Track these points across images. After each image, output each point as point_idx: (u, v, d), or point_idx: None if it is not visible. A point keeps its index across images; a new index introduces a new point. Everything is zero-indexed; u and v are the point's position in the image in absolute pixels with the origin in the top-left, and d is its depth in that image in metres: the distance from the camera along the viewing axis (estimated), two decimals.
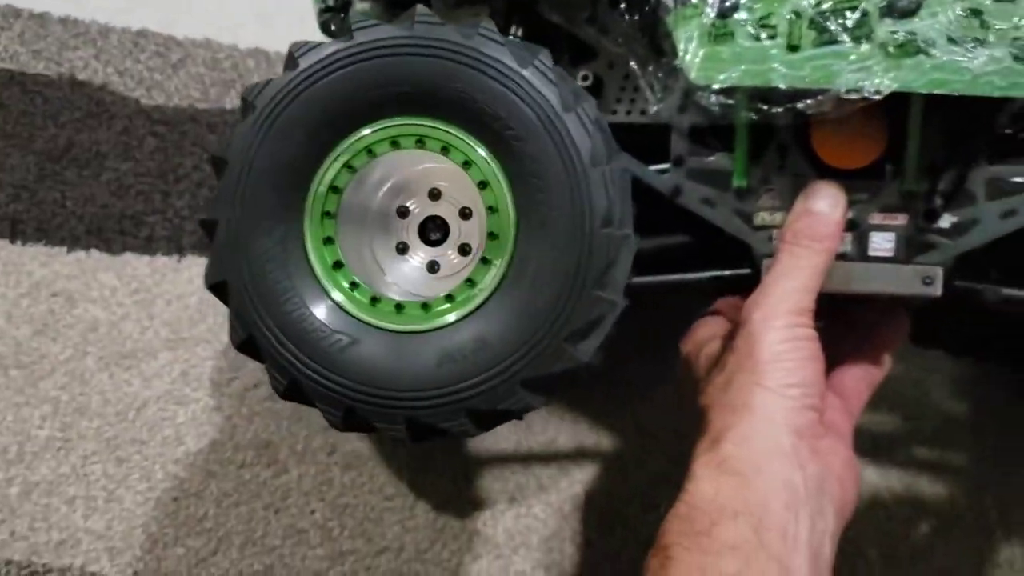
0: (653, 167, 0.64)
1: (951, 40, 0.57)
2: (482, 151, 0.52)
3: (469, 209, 0.56)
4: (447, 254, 0.58)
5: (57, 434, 0.90)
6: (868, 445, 0.87)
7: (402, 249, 0.58)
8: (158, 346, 0.95)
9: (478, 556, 0.85)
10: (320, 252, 0.54)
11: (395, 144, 0.53)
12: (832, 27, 0.58)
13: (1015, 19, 0.56)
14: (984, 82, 0.56)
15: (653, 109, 0.63)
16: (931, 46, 0.57)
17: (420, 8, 0.53)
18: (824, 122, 0.61)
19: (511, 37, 0.68)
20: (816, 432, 0.52)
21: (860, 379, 0.63)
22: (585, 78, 0.67)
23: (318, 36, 0.68)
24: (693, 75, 0.59)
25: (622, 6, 0.64)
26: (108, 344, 0.95)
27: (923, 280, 0.61)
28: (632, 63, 0.64)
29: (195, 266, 0.97)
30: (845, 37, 0.58)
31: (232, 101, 1.04)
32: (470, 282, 0.53)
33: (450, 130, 0.52)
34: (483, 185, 0.53)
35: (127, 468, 0.90)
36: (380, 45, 0.52)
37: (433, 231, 0.58)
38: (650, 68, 0.64)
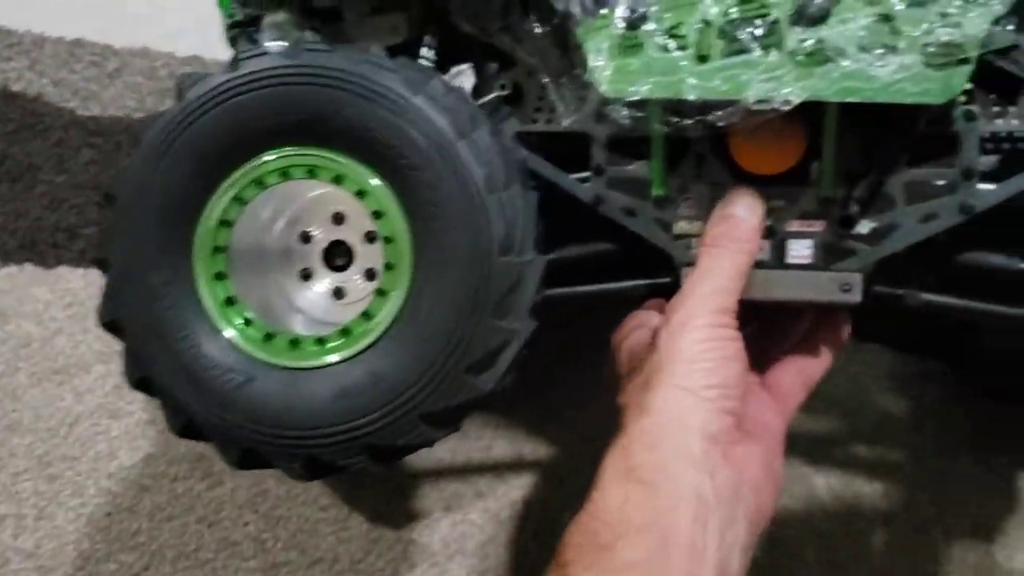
0: (578, 175, 0.63)
1: (862, 47, 0.55)
2: (376, 180, 0.51)
3: (374, 233, 0.55)
4: (353, 279, 0.57)
5: None
6: (806, 445, 0.87)
7: (306, 275, 0.57)
8: (91, 360, 0.93)
9: (413, 565, 0.84)
10: (212, 288, 0.53)
11: (285, 175, 0.52)
12: (741, 36, 0.57)
13: (925, 25, 0.55)
14: (895, 89, 0.55)
15: (565, 122, 0.62)
16: (841, 54, 0.56)
17: (308, 35, 0.52)
18: (743, 128, 0.60)
19: (426, 48, 0.67)
20: (731, 437, 0.51)
21: (796, 379, 0.62)
22: (504, 87, 0.66)
23: None
24: (603, 88, 0.58)
25: (532, 17, 0.62)
26: (41, 360, 0.93)
27: (841, 287, 0.61)
28: (543, 75, 0.62)
29: None
30: (755, 46, 0.57)
31: None
32: (366, 315, 0.52)
33: (342, 160, 0.51)
34: (378, 215, 0.51)
35: (59, 485, 0.89)
36: (267, 75, 0.50)
37: (338, 256, 0.57)
38: (562, 80, 0.62)
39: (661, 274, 0.65)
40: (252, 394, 0.51)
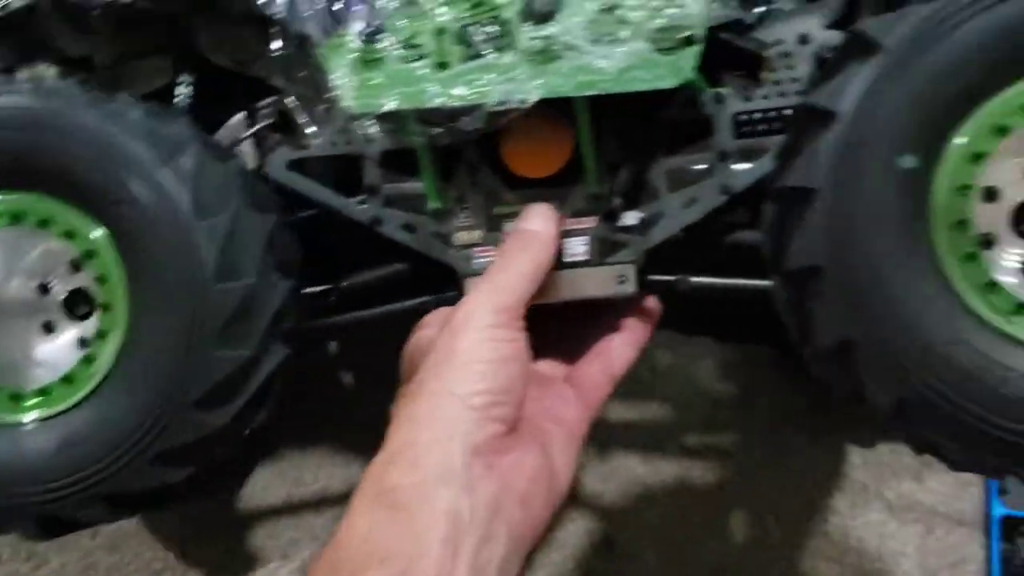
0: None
1: (592, 40, 0.56)
2: (85, 220, 0.49)
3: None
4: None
5: None
6: (641, 444, 0.87)
7: (49, 328, 0.54)
8: None
9: None
10: None
11: None
12: (476, 40, 0.57)
13: (647, 11, 0.56)
14: (629, 77, 0.56)
15: (315, 143, 0.61)
16: (573, 48, 0.56)
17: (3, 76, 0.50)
18: (511, 134, 0.61)
19: (182, 87, 0.66)
20: (498, 447, 0.50)
21: (600, 373, 0.61)
22: (268, 115, 0.65)
23: None
24: (349, 105, 0.58)
25: (276, 44, 0.61)
26: None
27: (617, 280, 0.61)
28: (291, 99, 0.61)
29: None
30: (489, 49, 0.57)
31: None
32: (88, 360, 0.50)
33: (47, 202, 0.49)
34: (91, 255, 0.50)
35: None
36: None
37: (81, 304, 0.54)
38: (312, 102, 0.61)
39: (443, 290, 0.64)
40: None
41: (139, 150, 0.48)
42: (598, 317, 0.64)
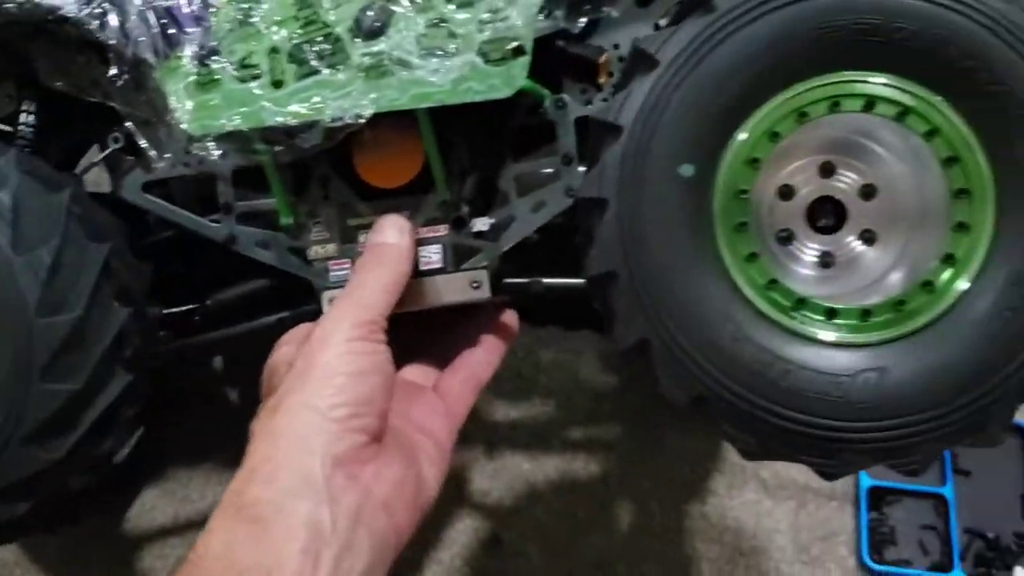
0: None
1: (424, 53, 0.56)
2: None
3: None
4: None
5: None
6: (524, 442, 0.88)
7: None
8: None
9: None
10: None
11: None
12: (310, 58, 0.57)
13: (477, 24, 0.57)
14: (464, 89, 0.56)
15: (156, 166, 0.61)
16: (405, 63, 0.56)
17: None
18: (363, 145, 0.61)
19: (24, 114, 0.65)
20: (360, 457, 0.50)
21: (464, 383, 0.62)
22: (117, 140, 0.65)
23: None
24: (188, 127, 0.58)
25: (113, 70, 0.61)
26: None
27: (471, 285, 0.62)
28: (131, 123, 0.61)
29: None
30: (323, 66, 0.57)
31: None
32: None
33: None
34: None
35: None
36: None
37: None
38: (153, 125, 0.61)
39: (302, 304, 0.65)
40: None
41: None
42: (464, 319, 0.65)
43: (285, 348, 0.56)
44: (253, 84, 0.58)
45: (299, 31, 0.58)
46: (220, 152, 0.59)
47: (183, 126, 0.58)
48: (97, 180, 0.68)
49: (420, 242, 0.62)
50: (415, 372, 0.61)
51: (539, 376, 0.91)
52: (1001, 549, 0.84)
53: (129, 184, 0.65)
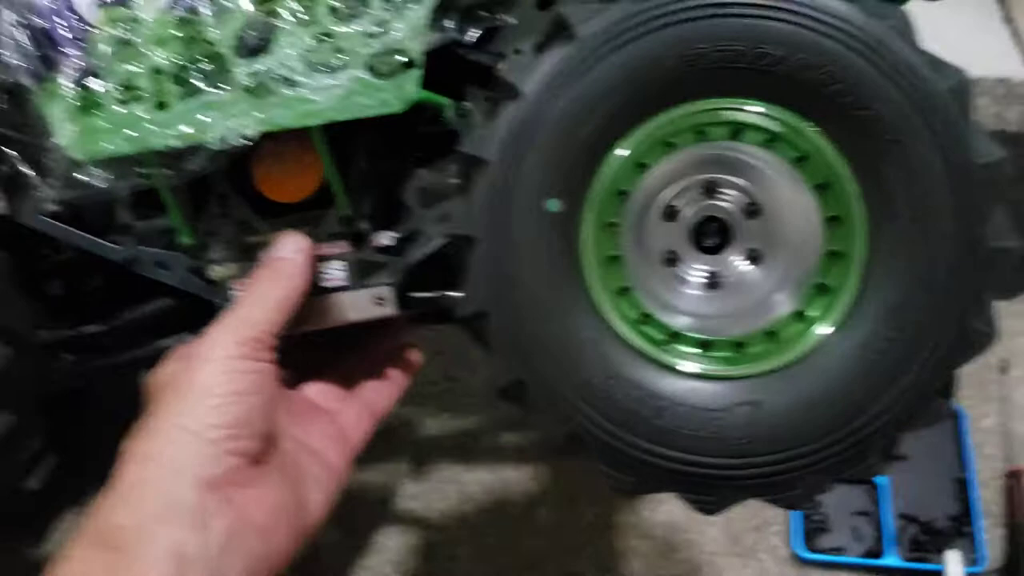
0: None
1: (310, 70, 0.55)
2: None
3: None
4: None
5: None
6: (455, 446, 0.87)
7: None
8: None
9: None
10: None
11: None
12: (193, 78, 0.56)
13: (363, 38, 0.55)
14: (353, 104, 0.55)
15: (49, 192, 0.59)
16: (290, 80, 0.55)
17: None
18: (263, 160, 0.59)
19: None
20: (237, 480, 0.49)
21: (362, 411, 0.62)
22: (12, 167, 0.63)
23: None
24: (72, 153, 0.56)
25: None
26: None
27: (376, 301, 0.60)
28: (11, 151, 0.59)
29: None
30: (207, 86, 0.55)
31: None
32: None
33: None
34: None
35: None
36: None
37: None
38: (37, 150, 0.59)
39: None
40: None
41: None
42: (372, 343, 0.64)
43: (167, 366, 0.55)
44: (137, 106, 0.56)
45: (181, 51, 0.56)
46: (107, 176, 0.58)
47: (67, 151, 0.56)
48: None
49: (322, 259, 0.61)
50: (317, 392, 0.60)
51: (470, 378, 0.91)
52: (935, 533, 0.84)
53: (26, 209, 0.63)
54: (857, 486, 0.86)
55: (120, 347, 0.70)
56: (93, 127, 0.56)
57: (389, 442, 0.87)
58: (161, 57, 0.56)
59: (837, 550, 0.84)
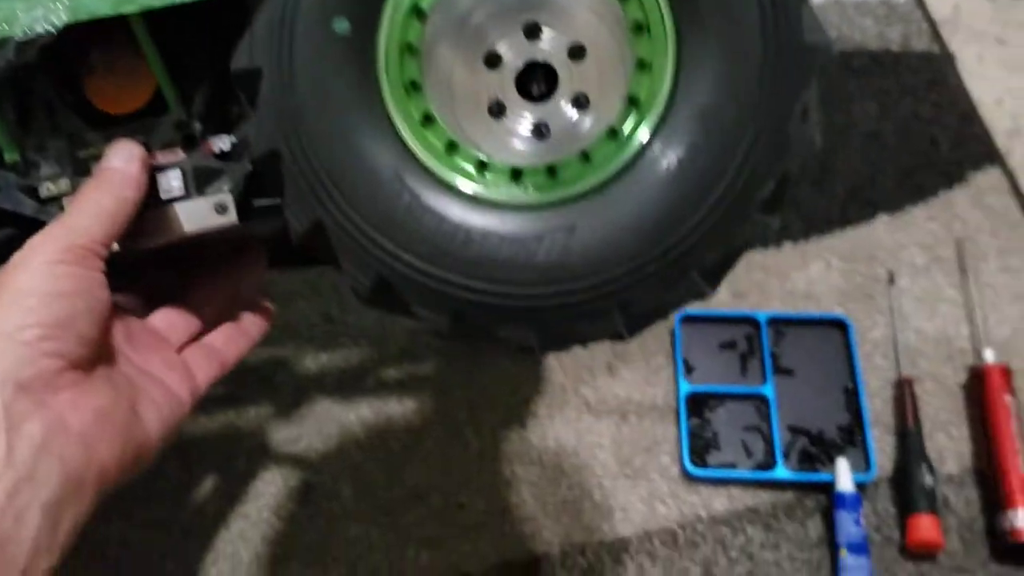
0: None
1: None
2: None
3: None
4: None
5: None
6: (335, 385, 0.85)
7: None
8: None
9: None
10: None
11: None
12: None
13: None
14: None
15: None
16: None
17: None
18: (95, 70, 0.57)
19: None
20: (54, 383, 0.47)
21: (210, 356, 0.60)
22: None
23: None
24: None
25: None
26: None
27: (216, 209, 0.58)
28: None
29: None
30: None
31: None
32: None
33: None
34: None
35: None
36: None
37: None
38: None
39: None
40: None
41: None
42: (224, 278, 0.63)
43: None
44: None
45: None
46: None
47: None
48: None
49: (159, 168, 0.58)
50: (166, 325, 0.59)
51: (349, 316, 0.88)
52: (825, 443, 0.83)
53: None
54: (746, 402, 0.85)
55: None
56: None
57: (266, 386, 0.84)
58: None
59: (728, 465, 0.82)
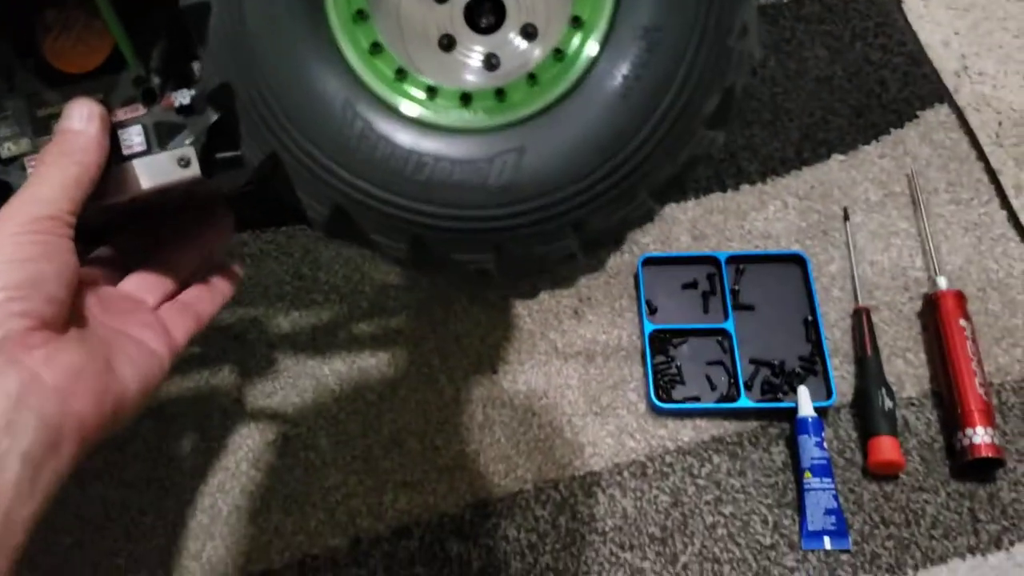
0: None
1: None
2: None
3: None
4: None
5: None
6: (308, 340, 0.86)
7: None
8: None
9: None
10: None
11: None
12: None
13: None
14: None
15: None
16: None
17: None
18: (52, 30, 0.58)
19: None
20: (26, 342, 0.48)
21: (184, 312, 0.61)
22: None
23: None
24: None
25: None
26: None
27: (179, 163, 0.59)
28: None
29: None
30: None
31: None
32: None
33: None
34: None
35: None
36: None
37: None
38: None
39: None
40: None
41: None
42: (194, 240, 0.64)
43: None
44: None
45: None
46: None
47: None
48: None
49: (120, 125, 0.59)
50: (137, 285, 0.60)
51: (319, 274, 0.90)
52: (787, 373, 0.86)
53: None
54: (709, 337, 0.87)
55: None
56: None
57: (240, 344, 0.85)
58: None
59: (692, 399, 0.85)
